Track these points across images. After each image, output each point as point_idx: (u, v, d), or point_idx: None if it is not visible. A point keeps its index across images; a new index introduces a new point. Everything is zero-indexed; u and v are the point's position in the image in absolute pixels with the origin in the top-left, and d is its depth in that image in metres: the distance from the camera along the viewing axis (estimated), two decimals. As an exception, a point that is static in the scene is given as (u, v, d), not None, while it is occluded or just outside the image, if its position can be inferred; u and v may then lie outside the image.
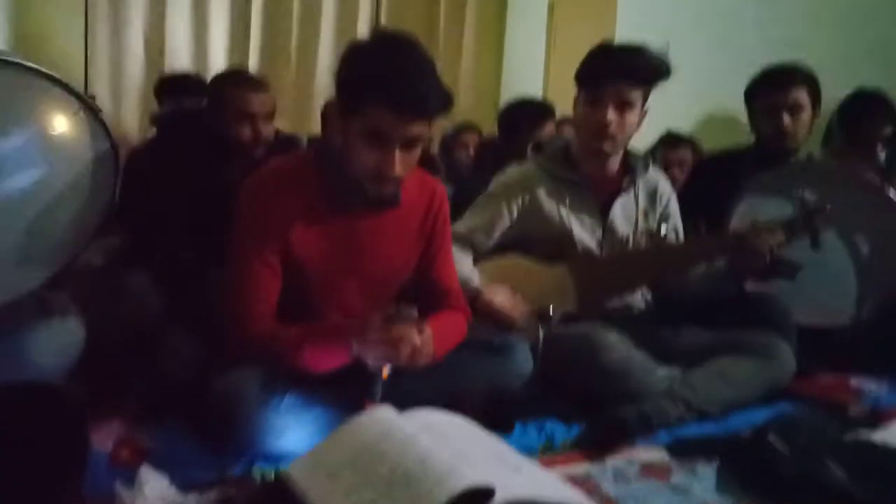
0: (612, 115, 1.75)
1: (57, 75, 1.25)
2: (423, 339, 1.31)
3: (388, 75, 1.28)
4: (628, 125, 1.79)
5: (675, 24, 3.87)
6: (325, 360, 1.36)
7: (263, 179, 1.45)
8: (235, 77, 2.13)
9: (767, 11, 3.44)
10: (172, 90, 3.04)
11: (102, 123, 1.32)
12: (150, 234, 2.03)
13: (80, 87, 1.35)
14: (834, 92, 2.39)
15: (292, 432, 1.32)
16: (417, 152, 1.38)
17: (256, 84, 2.07)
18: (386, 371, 1.30)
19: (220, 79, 2.15)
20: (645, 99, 1.80)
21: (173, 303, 1.91)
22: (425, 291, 1.56)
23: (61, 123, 1.28)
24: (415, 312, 1.31)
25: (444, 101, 1.35)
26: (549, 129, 2.52)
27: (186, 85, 3.11)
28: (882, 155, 2.24)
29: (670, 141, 2.92)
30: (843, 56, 2.88)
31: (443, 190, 1.59)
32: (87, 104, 1.30)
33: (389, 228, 1.49)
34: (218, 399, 1.33)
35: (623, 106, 1.76)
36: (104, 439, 1.27)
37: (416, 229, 1.53)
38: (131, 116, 4.17)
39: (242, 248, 1.43)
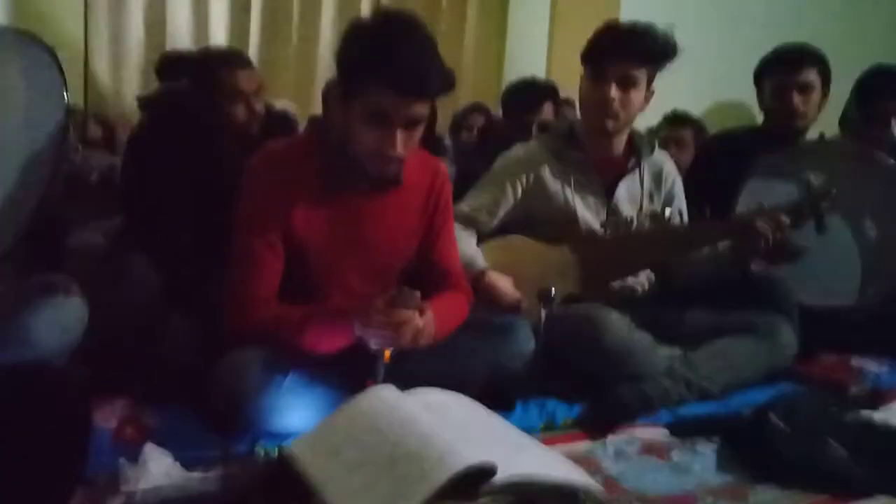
0: (615, 92, 1.74)
1: None
2: (425, 321, 1.31)
3: (389, 56, 1.27)
4: (632, 104, 1.77)
5: (681, 5, 3.83)
6: (328, 342, 1.36)
7: (264, 161, 1.44)
8: (221, 56, 2.10)
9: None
10: (173, 68, 3.02)
11: (58, 71, 1.20)
12: (148, 215, 2.03)
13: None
14: (846, 73, 2.37)
15: (294, 411, 1.33)
16: (419, 132, 1.37)
17: (242, 61, 2.03)
18: (388, 353, 1.30)
19: (206, 59, 2.11)
20: (650, 79, 1.78)
21: (173, 284, 1.92)
22: (427, 272, 1.56)
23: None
24: (417, 295, 1.30)
25: (447, 81, 1.35)
26: (547, 109, 2.50)
27: (187, 62, 3.08)
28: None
29: (672, 120, 2.91)
30: (855, 37, 2.85)
31: (445, 170, 1.58)
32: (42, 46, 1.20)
33: (391, 208, 1.49)
34: (220, 379, 1.34)
35: (627, 84, 1.75)
36: (108, 417, 1.28)
37: (418, 209, 1.53)
38: (132, 95, 4.13)
39: (244, 230, 1.43)
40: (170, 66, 3.11)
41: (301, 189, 1.42)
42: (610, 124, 1.79)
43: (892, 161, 1.88)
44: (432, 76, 1.30)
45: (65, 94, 1.22)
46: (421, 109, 1.32)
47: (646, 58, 1.74)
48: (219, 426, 1.33)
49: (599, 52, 1.77)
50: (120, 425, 1.27)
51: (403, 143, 1.34)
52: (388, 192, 1.47)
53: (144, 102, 2.20)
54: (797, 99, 2.11)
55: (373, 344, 1.29)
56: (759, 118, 2.32)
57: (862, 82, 2.34)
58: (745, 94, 2.34)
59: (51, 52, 1.22)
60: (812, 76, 2.12)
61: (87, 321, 1.34)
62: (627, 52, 1.73)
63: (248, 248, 1.41)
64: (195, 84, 2.05)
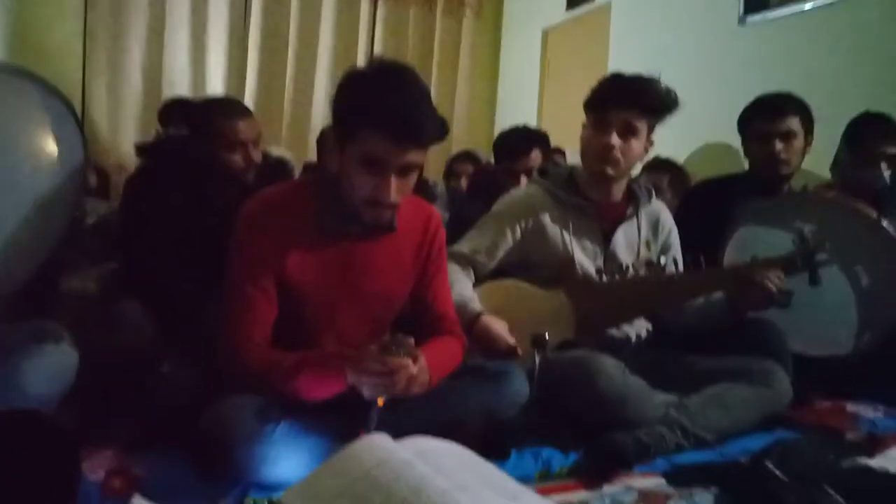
0: (616, 139, 1.78)
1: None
2: (419, 369, 1.30)
3: (384, 103, 1.30)
4: (632, 152, 1.82)
5: (667, 54, 3.93)
6: (321, 388, 1.35)
7: (259, 206, 1.45)
8: (222, 105, 2.14)
9: (760, 43, 3.50)
10: (175, 114, 3.06)
11: (76, 125, 1.29)
12: (144, 261, 2.03)
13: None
14: (836, 118, 2.43)
15: (286, 461, 1.30)
16: (413, 179, 1.39)
17: (242, 110, 2.08)
18: (381, 400, 1.29)
19: (206, 108, 2.15)
20: (651, 130, 1.83)
21: (167, 331, 1.91)
22: (421, 316, 1.57)
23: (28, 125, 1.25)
24: (411, 341, 1.30)
25: (440, 129, 1.37)
26: (535, 156, 2.55)
27: (188, 109, 3.13)
28: (887, 174, 2.27)
29: (651, 166, 2.97)
30: (844, 82, 2.93)
31: (438, 216, 1.60)
32: (63, 100, 1.28)
33: (385, 254, 1.49)
34: (211, 428, 1.32)
35: (628, 132, 1.79)
36: (96, 468, 1.25)
37: (411, 255, 1.54)
38: (128, 143, 4.19)
39: (238, 275, 1.43)
40: (171, 112, 3.16)
41: (295, 234, 1.42)
42: (610, 170, 1.82)
43: (874, 211, 1.91)
44: (426, 124, 1.33)
45: (82, 146, 1.28)
46: (415, 157, 1.34)
47: (647, 108, 1.79)
48: (208, 476, 1.30)
49: (602, 100, 1.81)
50: (108, 477, 1.24)
51: (397, 190, 1.35)
52: (382, 238, 1.48)
53: (143, 149, 2.23)
54: (780, 146, 2.15)
55: (366, 392, 1.28)
56: (745, 163, 2.36)
57: (851, 127, 2.39)
58: (729, 140, 2.39)
59: (70, 107, 1.28)
60: (794, 124, 2.17)
61: (76, 371, 1.32)
62: (630, 101, 1.78)
63: (240, 292, 1.42)
64: (195, 131, 2.09)
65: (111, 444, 1.38)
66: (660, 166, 2.98)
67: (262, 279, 1.41)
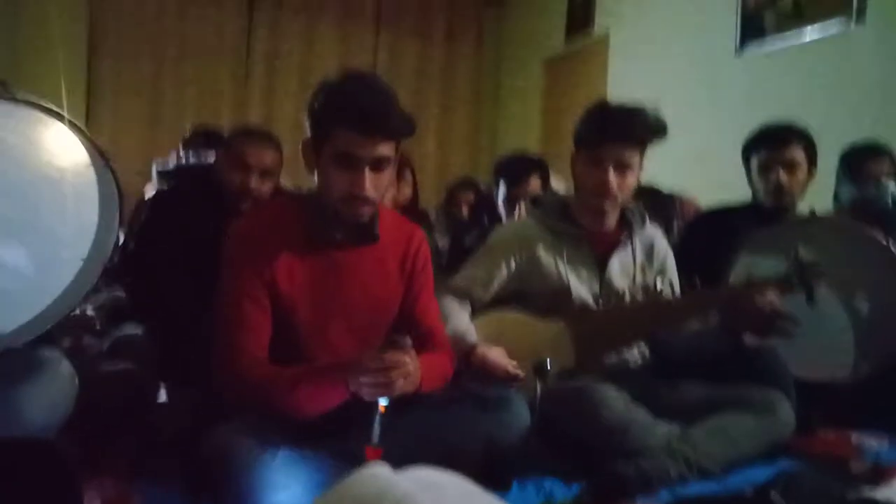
0: (612, 176, 1.78)
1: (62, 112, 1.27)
2: (414, 366, 1.33)
3: (351, 99, 1.39)
4: (628, 185, 1.83)
5: (665, 84, 3.98)
6: (321, 399, 1.35)
7: (247, 223, 1.52)
8: (242, 129, 2.16)
9: (757, 73, 3.55)
10: (199, 140, 3.07)
11: (109, 166, 1.33)
12: (147, 288, 2.03)
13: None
14: (834, 147, 2.45)
15: (287, 488, 1.29)
16: (387, 175, 1.45)
17: (259, 137, 2.08)
18: (383, 406, 1.29)
19: (230, 132, 2.17)
20: (642, 157, 1.83)
21: (167, 358, 1.90)
22: (410, 333, 1.54)
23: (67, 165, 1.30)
24: (408, 340, 1.33)
25: (407, 123, 1.44)
26: (534, 182, 2.56)
27: (213, 137, 3.15)
28: (893, 189, 2.28)
29: (639, 193, 2.98)
30: (842, 112, 2.96)
31: (421, 233, 1.64)
32: (95, 146, 1.31)
33: (370, 264, 1.53)
34: (210, 455, 1.31)
35: (623, 167, 1.80)
36: (95, 496, 1.24)
37: (396, 268, 1.57)
38: (132, 170, 4.21)
39: (232, 291, 1.44)
40: (194, 138, 3.18)
41: (282, 247, 1.46)
42: (608, 206, 1.84)
43: (881, 237, 1.91)
44: (392, 115, 1.40)
45: (116, 183, 1.35)
46: (385, 150, 1.40)
47: (640, 140, 1.80)
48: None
49: (593, 136, 1.81)
50: (105, 505, 1.24)
51: (372, 185, 1.40)
52: (366, 248, 1.51)
53: (164, 173, 2.24)
54: (783, 176, 2.15)
55: (366, 393, 1.28)
56: (741, 193, 2.37)
57: (847, 157, 2.42)
58: (730, 167, 2.40)
59: (101, 150, 1.34)
60: (798, 154, 2.17)
61: (75, 398, 1.32)
62: (622, 135, 1.78)
63: (236, 308, 1.43)
64: (216, 158, 2.09)
65: (111, 472, 1.38)
66: (647, 194, 2.98)
67: (255, 291, 1.43)
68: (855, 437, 1.95)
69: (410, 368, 1.30)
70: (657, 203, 3.00)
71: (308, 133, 1.46)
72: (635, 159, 1.81)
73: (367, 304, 1.53)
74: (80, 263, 1.33)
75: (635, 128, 1.78)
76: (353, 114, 1.37)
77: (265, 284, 1.43)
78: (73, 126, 1.28)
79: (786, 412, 1.74)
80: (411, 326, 1.56)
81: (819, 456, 1.78)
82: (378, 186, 1.43)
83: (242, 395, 1.38)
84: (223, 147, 2.09)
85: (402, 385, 1.29)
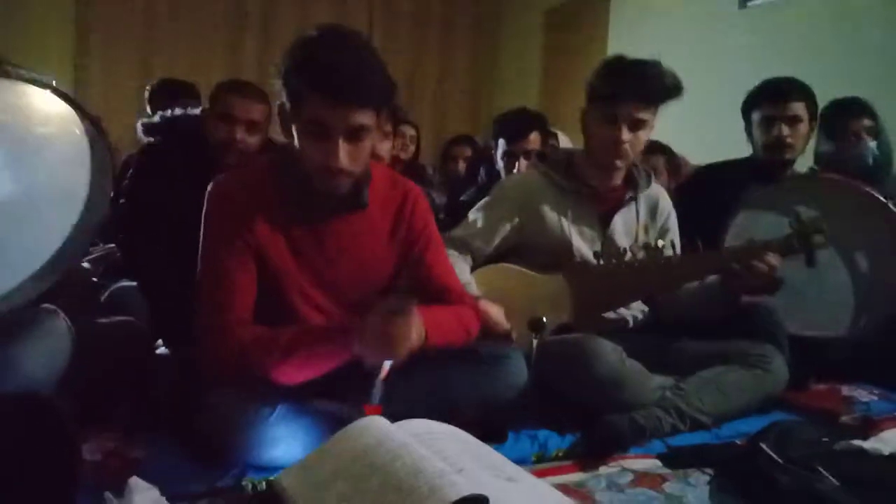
0: (627, 134, 1.76)
1: (51, 82, 1.25)
2: (418, 328, 1.30)
3: (323, 63, 1.26)
4: (640, 143, 1.81)
5: (667, 38, 3.91)
6: (322, 362, 1.32)
7: (229, 182, 1.43)
8: (229, 82, 2.12)
9: (760, 27, 3.48)
10: (167, 97, 3.03)
11: (98, 127, 1.32)
12: (140, 246, 2.02)
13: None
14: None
15: (284, 444, 1.30)
16: (366, 145, 1.34)
17: (246, 90, 2.04)
18: (385, 369, 1.29)
19: (217, 85, 2.14)
20: (655, 115, 1.80)
21: (161, 316, 1.90)
22: (424, 292, 1.51)
23: (55, 129, 1.28)
24: (408, 302, 1.28)
25: (385, 90, 1.33)
26: (534, 138, 2.53)
27: (181, 91, 3.11)
28: (872, 144, 2.29)
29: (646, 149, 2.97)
30: (840, 68, 2.92)
31: (417, 190, 1.56)
32: (82, 111, 1.30)
33: (357, 231, 1.46)
34: (206, 414, 1.31)
35: (637, 126, 1.77)
36: (94, 449, 1.26)
37: (387, 230, 1.51)
38: (122, 125, 4.16)
39: (214, 250, 1.39)
40: (163, 94, 3.13)
41: (266, 214, 1.39)
42: (620, 163, 1.82)
43: (882, 196, 1.90)
44: (368, 83, 1.28)
45: (110, 157, 1.36)
46: (361, 118, 1.29)
47: (656, 98, 1.76)
48: (205, 459, 1.30)
49: (610, 93, 1.77)
50: (105, 458, 1.25)
51: (348, 155, 1.31)
52: (354, 215, 1.45)
53: (153, 127, 2.19)
54: (786, 130, 2.14)
55: (371, 356, 1.27)
56: (742, 150, 2.35)
57: (827, 114, 2.40)
58: (732, 124, 2.38)
59: (100, 127, 1.34)
60: (800, 109, 2.16)
61: (72, 353, 1.32)
62: (638, 94, 1.74)
63: (220, 267, 1.37)
64: (204, 111, 2.05)
65: (109, 426, 1.39)
66: (652, 149, 2.97)
67: (240, 252, 1.37)
68: (846, 391, 1.98)
69: (414, 337, 1.28)
70: (671, 162, 3.00)
71: (283, 97, 1.35)
72: (649, 118, 1.78)
73: (355, 270, 1.47)
74: (70, 229, 1.32)
75: (653, 86, 1.74)
76: (324, 78, 1.26)
77: (250, 245, 1.38)
78: (62, 95, 1.26)
79: (779, 366, 1.76)
80: (423, 286, 1.53)
81: (810, 409, 1.81)
82: (356, 157, 1.33)
83: (227, 360, 1.33)
84: (210, 101, 2.05)
85: (408, 347, 1.27)
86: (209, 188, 1.42)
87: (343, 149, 1.30)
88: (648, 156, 2.87)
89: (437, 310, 1.43)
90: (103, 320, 1.63)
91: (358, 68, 1.28)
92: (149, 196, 1.99)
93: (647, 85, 1.74)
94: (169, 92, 3.12)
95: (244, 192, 1.40)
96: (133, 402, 1.53)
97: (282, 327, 1.36)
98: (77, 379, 1.32)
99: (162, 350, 1.87)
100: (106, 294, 2.14)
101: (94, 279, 2.25)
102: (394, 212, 1.51)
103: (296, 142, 1.35)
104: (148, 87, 3.30)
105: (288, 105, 1.34)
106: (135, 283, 2.13)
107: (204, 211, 1.41)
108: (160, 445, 1.37)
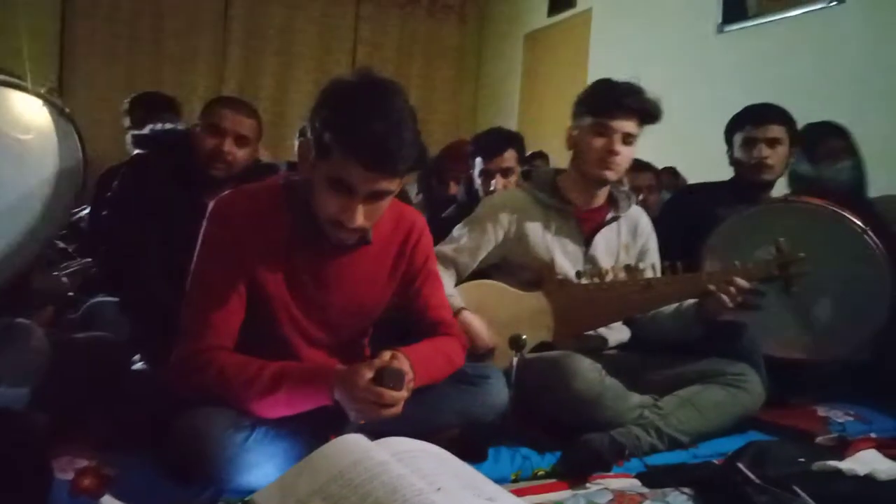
0: (620, 146, 1.80)
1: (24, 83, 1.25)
2: (406, 393, 1.27)
3: (360, 129, 1.22)
4: (627, 159, 1.85)
5: (646, 61, 3.97)
6: (302, 402, 1.29)
7: (232, 202, 1.39)
8: (220, 97, 2.12)
9: (738, 51, 3.55)
10: (146, 108, 3.02)
11: (74, 127, 1.31)
12: (121, 260, 2.00)
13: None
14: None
15: (260, 467, 1.27)
16: (384, 204, 1.33)
17: (236, 104, 2.04)
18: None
19: (210, 100, 2.13)
20: (639, 134, 1.86)
21: (140, 331, 1.87)
22: (416, 324, 1.52)
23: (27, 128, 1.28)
24: (408, 374, 1.27)
25: (418, 158, 1.30)
26: (509, 156, 2.56)
27: (160, 104, 3.09)
28: (847, 164, 2.37)
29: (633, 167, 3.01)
30: (814, 93, 2.99)
31: (422, 223, 1.54)
32: (58, 108, 1.29)
33: (359, 266, 1.44)
34: (182, 436, 1.27)
35: (627, 140, 1.82)
36: (66, 467, 1.23)
37: (388, 266, 1.49)
38: (104, 139, 4.12)
39: (207, 269, 1.36)
40: (142, 106, 3.11)
41: (266, 240, 1.37)
42: (611, 175, 1.85)
43: (859, 222, 1.94)
44: (402, 156, 1.25)
45: (81, 154, 1.35)
46: (387, 185, 1.28)
47: (645, 118, 1.83)
48: (180, 477, 1.28)
49: (607, 105, 1.82)
50: (78, 476, 1.22)
51: (365, 215, 1.29)
52: (356, 250, 1.42)
53: (139, 139, 2.16)
54: (766, 152, 2.20)
55: (352, 416, 1.26)
56: (722, 172, 2.39)
57: (801, 135, 2.45)
58: (709, 145, 2.42)
59: (72, 121, 1.34)
60: (780, 132, 2.22)
61: (47, 368, 1.30)
62: (633, 110, 1.80)
63: (211, 288, 1.34)
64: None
65: (83, 443, 1.36)
66: (639, 168, 3.02)
67: (234, 275, 1.35)
68: (822, 411, 2.00)
69: (399, 409, 1.25)
70: (673, 184, 3.04)
71: (309, 138, 1.30)
72: (636, 134, 1.84)
73: (351, 303, 1.46)
74: (25, 227, 1.30)
75: (644, 105, 1.81)
76: (361, 146, 1.22)
77: (243, 271, 1.35)
78: (36, 93, 1.25)
79: (756, 385, 1.77)
80: (417, 318, 1.52)
81: (787, 428, 1.83)
82: (372, 215, 1.31)
83: (205, 382, 1.29)
84: (201, 114, 2.05)
85: (395, 414, 1.25)
86: (211, 206, 1.39)
87: (361, 210, 1.28)
88: (636, 174, 2.92)
89: (426, 348, 1.42)
90: (79, 335, 1.61)
91: (396, 140, 1.23)
92: (134, 206, 1.98)
93: (641, 102, 1.81)
94: (147, 104, 3.11)
95: (247, 217, 1.37)
96: (107, 418, 1.50)
97: (267, 358, 1.33)
98: (51, 394, 1.29)
99: (140, 365, 1.84)
100: (83, 308, 2.12)
101: (70, 294, 2.22)
102: (397, 246, 1.49)
103: (314, 185, 1.32)
104: (127, 101, 3.28)
105: (314, 151, 1.29)
106: (112, 299, 2.11)
107: (203, 228, 1.38)
108: (134, 463, 1.34)
